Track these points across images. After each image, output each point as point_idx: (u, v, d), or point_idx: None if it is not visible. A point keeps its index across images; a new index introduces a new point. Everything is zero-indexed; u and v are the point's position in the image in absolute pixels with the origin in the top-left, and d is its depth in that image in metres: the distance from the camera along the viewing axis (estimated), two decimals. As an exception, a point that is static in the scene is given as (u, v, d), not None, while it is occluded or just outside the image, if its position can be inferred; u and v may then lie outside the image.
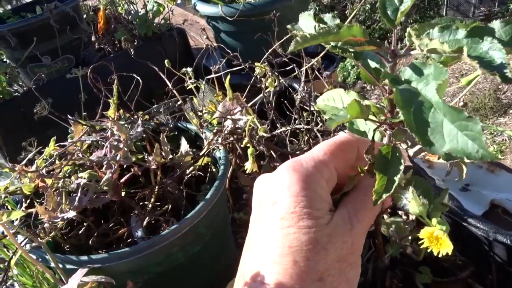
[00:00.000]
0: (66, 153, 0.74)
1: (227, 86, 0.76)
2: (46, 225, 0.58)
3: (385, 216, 0.69)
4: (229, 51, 0.89)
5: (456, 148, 0.28)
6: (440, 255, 0.39)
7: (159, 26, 1.61)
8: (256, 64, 0.83)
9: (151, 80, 0.90)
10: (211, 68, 0.89)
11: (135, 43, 1.58)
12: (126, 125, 0.76)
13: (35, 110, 0.91)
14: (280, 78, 0.87)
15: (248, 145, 0.69)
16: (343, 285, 0.36)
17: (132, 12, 1.67)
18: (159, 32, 1.59)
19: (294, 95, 0.87)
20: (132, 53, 0.83)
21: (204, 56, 1.58)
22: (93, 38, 1.70)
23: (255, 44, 1.16)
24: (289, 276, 0.34)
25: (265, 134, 0.66)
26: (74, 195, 0.63)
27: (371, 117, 0.43)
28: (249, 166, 0.69)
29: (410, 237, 0.61)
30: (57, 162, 0.72)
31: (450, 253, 0.38)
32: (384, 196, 0.37)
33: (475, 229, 0.68)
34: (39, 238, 0.57)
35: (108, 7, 1.74)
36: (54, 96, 0.99)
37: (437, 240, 0.40)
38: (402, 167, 0.38)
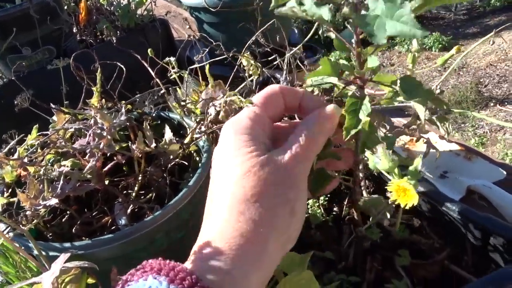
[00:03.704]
0: (48, 142, 0.74)
1: (207, 74, 0.77)
2: (28, 212, 0.58)
3: (365, 194, 0.71)
4: (212, 41, 0.89)
5: (394, 33, 0.36)
6: (407, 207, 0.42)
7: (141, 17, 1.60)
8: (238, 54, 0.84)
9: (134, 72, 0.89)
10: (194, 58, 0.89)
11: (118, 34, 1.57)
12: (109, 114, 0.76)
13: (15, 102, 0.90)
14: (262, 68, 0.88)
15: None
16: (282, 206, 0.42)
17: (114, 3, 1.65)
18: (141, 23, 1.58)
19: (281, 82, 0.88)
20: (115, 41, 0.83)
21: (188, 47, 1.58)
22: (74, 30, 1.68)
23: (238, 34, 1.16)
24: (231, 204, 0.41)
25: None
26: (56, 183, 0.64)
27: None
28: None
29: (387, 212, 0.63)
30: (39, 151, 0.72)
31: (415, 204, 0.42)
32: (352, 131, 0.45)
33: (452, 213, 0.70)
34: (21, 226, 0.57)
35: (89, -2, 1.72)
36: (35, 87, 0.98)
37: (404, 192, 0.43)
38: (368, 111, 0.43)
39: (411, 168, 0.54)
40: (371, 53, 0.49)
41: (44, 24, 1.40)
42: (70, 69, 0.91)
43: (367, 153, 0.55)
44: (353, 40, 0.46)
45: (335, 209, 0.90)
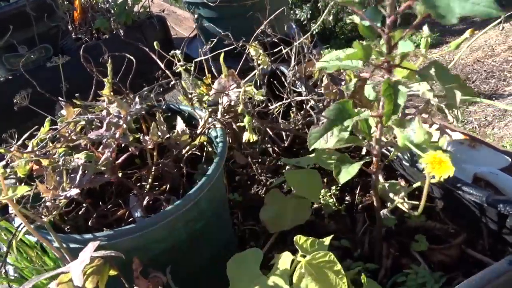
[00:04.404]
0: (58, 137, 0.73)
1: (222, 63, 0.76)
2: (48, 204, 0.57)
3: (381, 180, 0.71)
4: (221, 31, 0.89)
5: (466, 13, 0.36)
6: (442, 179, 0.42)
7: (138, 14, 1.59)
8: (247, 44, 0.83)
9: (133, 70, 0.88)
10: (200, 50, 0.89)
11: (114, 32, 1.55)
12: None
13: (14, 101, 0.88)
14: (270, 58, 0.88)
15: (245, 119, 0.69)
16: None
17: (110, 0, 1.64)
18: (138, 20, 1.57)
19: (287, 74, 0.88)
20: (122, 33, 0.82)
21: (185, 43, 1.57)
22: (69, 28, 1.65)
23: (237, 29, 1.15)
24: None
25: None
26: (72, 175, 0.62)
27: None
28: (246, 135, 0.69)
29: (404, 195, 0.63)
30: (50, 144, 0.71)
31: (451, 175, 0.42)
32: (393, 117, 0.42)
33: (468, 196, 0.70)
34: (43, 217, 0.56)
35: (84, -4, 1.69)
36: (33, 86, 0.96)
37: (439, 164, 0.43)
38: (405, 96, 0.42)
39: (439, 143, 0.54)
40: (400, 37, 0.49)
41: (41, 22, 1.38)
42: (68, 66, 0.90)
43: (396, 130, 0.55)
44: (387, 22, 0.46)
45: (347, 198, 0.90)
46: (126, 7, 1.54)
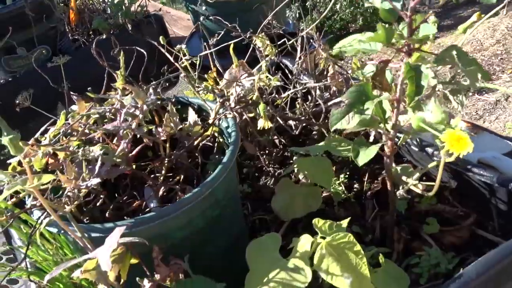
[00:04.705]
0: (70, 131, 0.73)
1: (232, 54, 0.77)
2: (69, 194, 0.57)
3: (393, 165, 0.72)
4: (228, 23, 0.90)
5: None
6: (461, 156, 0.43)
7: (135, 14, 1.59)
8: (254, 35, 0.84)
9: (134, 68, 0.89)
10: (210, 41, 0.89)
11: (112, 32, 1.55)
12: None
13: (17, 102, 0.89)
14: (277, 49, 0.89)
15: (260, 106, 0.70)
16: None
17: (106, 0, 1.64)
18: (136, 20, 1.57)
19: (293, 64, 0.89)
20: (130, 28, 0.82)
21: (187, 40, 1.58)
22: (66, 29, 1.65)
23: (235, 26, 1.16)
24: None
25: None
26: (89, 167, 0.63)
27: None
28: (261, 123, 0.70)
29: (417, 177, 0.64)
30: (63, 139, 0.71)
31: (471, 151, 0.43)
32: (416, 98, 0.43)
33: (478, 177, 0.72)
34: (66, 206, 0.56)
35: (79, -3, 1.69)
36: (33, 87, 0.96)
37: (458, 141, 0.44)
38: (428, 77, 0.44)
39: (453, 124, 0.55)
40: (422, 20, 0.51)
41: (39, 23, 1.38)
42: (66, 67, 0.91)
43: (410, 113, 0.56)
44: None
45: (355, 185, 0.91)
46: (123, 7, 1.54)
